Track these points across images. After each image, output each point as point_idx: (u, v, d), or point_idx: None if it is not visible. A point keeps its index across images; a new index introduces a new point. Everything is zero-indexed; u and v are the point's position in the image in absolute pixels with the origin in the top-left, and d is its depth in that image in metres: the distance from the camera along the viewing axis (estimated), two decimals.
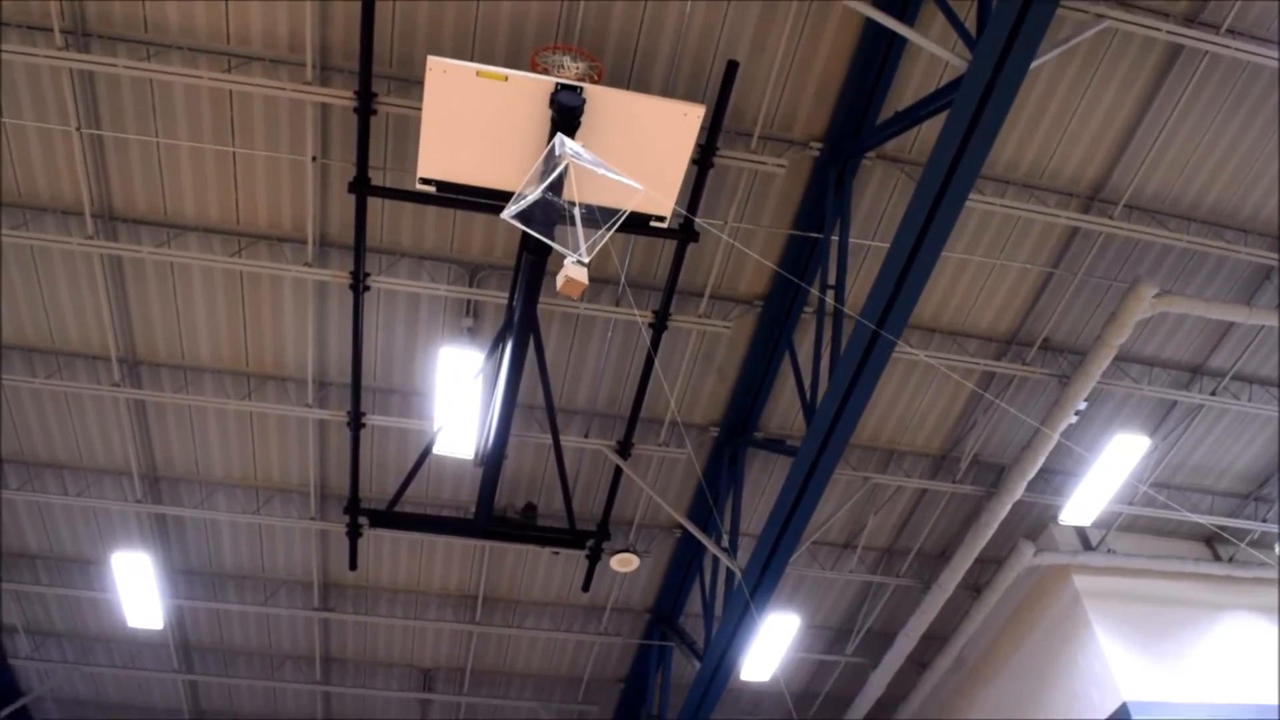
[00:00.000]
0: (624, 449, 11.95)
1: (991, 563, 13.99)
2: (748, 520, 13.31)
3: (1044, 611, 13.98)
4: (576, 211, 6.86)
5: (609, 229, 6.84)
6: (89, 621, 14.64)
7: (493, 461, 10.88)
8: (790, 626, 13.55)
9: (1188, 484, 13.87)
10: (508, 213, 6.82)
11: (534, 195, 7.02)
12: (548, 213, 7.28)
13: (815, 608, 15.08)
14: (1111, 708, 12.47)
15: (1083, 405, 11.49)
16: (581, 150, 7.04)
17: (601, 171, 6.87)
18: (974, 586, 14.31)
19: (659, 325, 10.77)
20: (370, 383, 11.64)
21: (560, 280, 6.66)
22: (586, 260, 6.61)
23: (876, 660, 15.04)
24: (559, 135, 7.16)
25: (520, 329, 9.41)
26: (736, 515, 12.03)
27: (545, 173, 7.22)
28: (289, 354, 11.45)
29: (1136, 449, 11.98)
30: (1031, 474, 12.06)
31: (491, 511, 11.77)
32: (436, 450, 11.25)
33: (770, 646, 13.84)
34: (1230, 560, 14.20)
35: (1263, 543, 14.41)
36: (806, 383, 10.59)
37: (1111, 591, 13.52)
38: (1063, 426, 11.58)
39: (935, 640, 14.95)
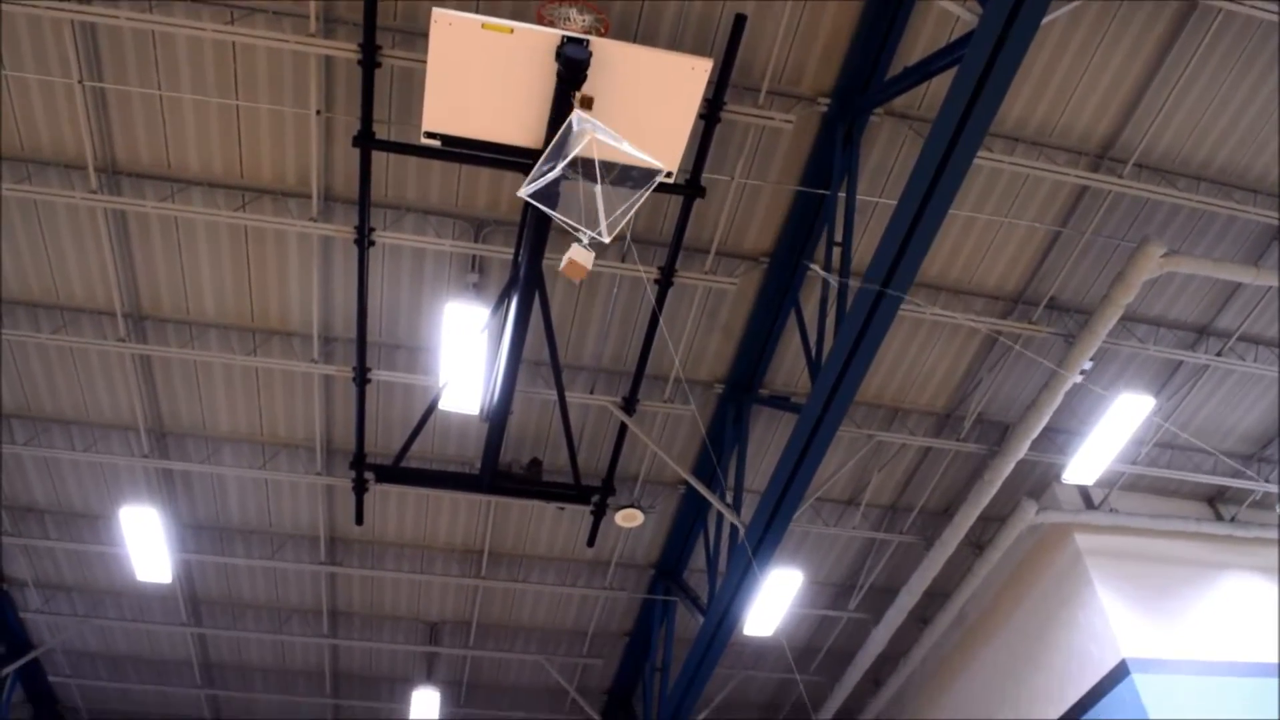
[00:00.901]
0: (629, 405, 11.97)
1: (994, 521, 14.06)
2: (752, 477, 13.37)
3: (1046, 569, 14.06)
4: (598, 191, 6.67)
5: (626, 212, 6.69)
6: (98, 575, 14.77)
7: (498, 417, 10.91)
8: (793, 582, 13.60)
9: (1192, 444, 13.89)
10: (524, 191, 6.69)
11: (553, 174, 6.77)
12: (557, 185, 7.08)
13: (818, 564, 15.18)
14: (1111, 664, 12.56)
15: (1088, 365, 11.48)
16: (599, 124, 6.81)
17: (622, 148, 6.65)
18: (976, 544, 14.39)
19: (664, 282, 10.75)
20: (375, 338, 11.66)
21: (564, 263, 6.67)
22: (608, 239, 6.51)
23: (878, 616, 15.16)
24: (576, 111, 6.91)
25: (525, 285, 9.40)
26: (741, 471, 12.08)
27: (562, 149, 6.88)
28: (294, 309, 11.46)
29: (1141, 409, 11.98)
30: (1035, 433, 12.08)
31: (496, 467, 11.82)
32: (442, 406, 11.28)
33: (773, 602, 13.91)
34: (1232, 520, 14.26)
35: (1265, 503, 14.47)
36: (812, 340, 10.59)
37: (1113, 550, 13.59)
38: (1068, 385, 11.59)
39: (937, 597, 15.06)
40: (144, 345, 11.40)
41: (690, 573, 14.83)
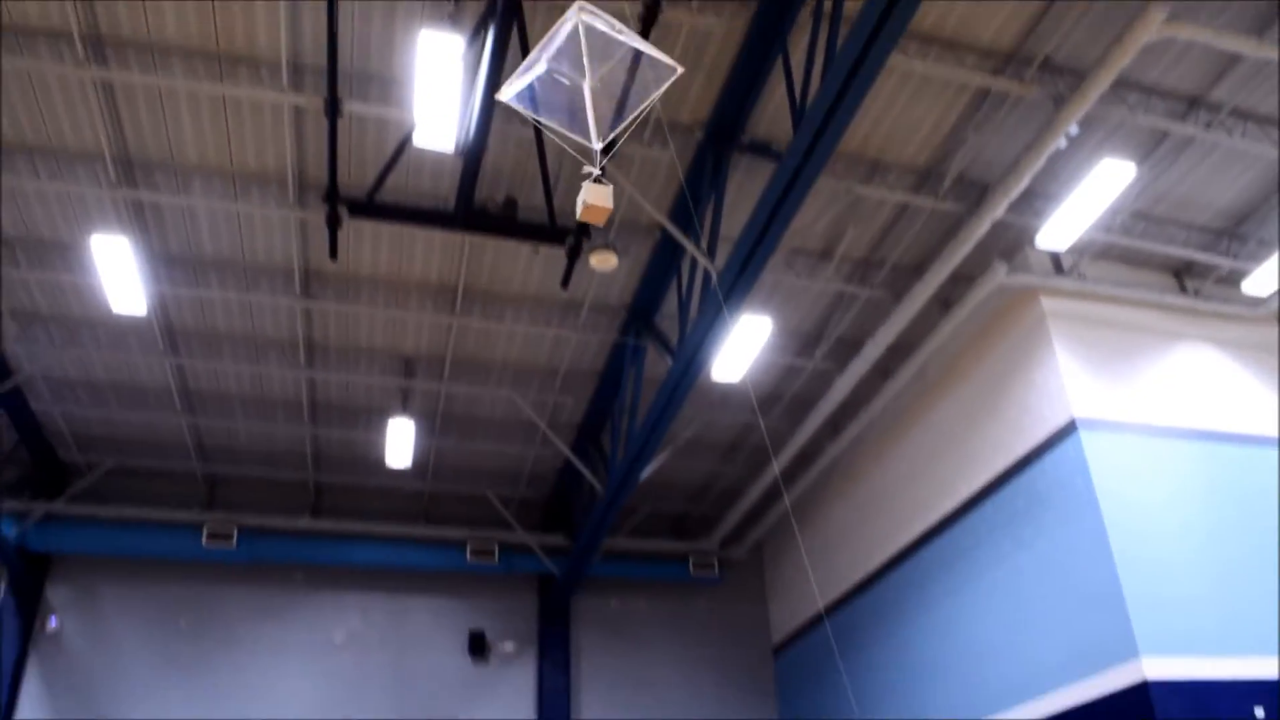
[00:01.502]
0: (607, 147, 11.73)
1: (964, 280, 14.21)
2: (727, 226, 13.35)
3: (1009, 330, 14.38)
4: (587, 100, 5.71)
5: (629, 124, 5.86)
6: (73, 306, 14.75)
7: (473, 153, 10.73)
8: (762, 329, 13.79)
9: (1167, 216, 13.94)
10: (505, 94, 5.76)
11: (539, 70, 5.81)
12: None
13: (788, 314, 15.44)
14: (1061, 422, 13.07)
15: (1074, 130, 11.33)
16: (601, 14, 5.65)
17: (625, 40, 5.61)
18: (944, 302, 14.60)
19: (648, 18, 10.30)
20: (347, 67, 11.22)
21: (579, 207, 5.72)
22: (598, 145, 5.53)
23: (842, 367, 15.59)
24: (576, 4, 5.69)
25: (504, 14, 9.01)
26: (717, 219, 12.05)
27: (557, 49, 5.82)
28: (261, 34, 10.94)
29: (1122, 176, 11.92)
30: (1015, 194, 12.06)
31: (471, 204, 11.71)
32: (416, 141, 11.03)
33: (741, 348, 14.16)
34: (1195, 294, 14.53)
35: (1230, 279, 14.69)
36: (798, 85, 10.32)
37: (1076, 314, 13.86)
38: (1051, 148, 11.47)
39: (901, 351, 15.42)
40: (105, 69, 10.93)
41: (662, 317, 15.05)
